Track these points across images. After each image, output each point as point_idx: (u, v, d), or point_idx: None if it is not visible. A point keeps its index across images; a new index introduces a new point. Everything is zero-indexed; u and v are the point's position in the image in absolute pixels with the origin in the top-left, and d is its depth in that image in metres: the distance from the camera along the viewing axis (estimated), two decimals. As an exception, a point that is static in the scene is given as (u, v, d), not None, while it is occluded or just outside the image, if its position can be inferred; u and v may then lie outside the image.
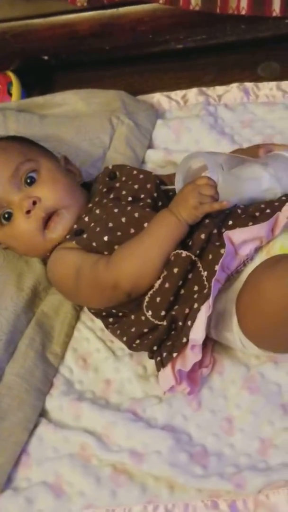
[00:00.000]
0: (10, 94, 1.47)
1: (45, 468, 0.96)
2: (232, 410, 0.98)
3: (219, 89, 1.42)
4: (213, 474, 0.92)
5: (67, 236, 1.06)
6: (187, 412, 0.99)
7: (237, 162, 1.06)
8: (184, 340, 0.95)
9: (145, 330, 1.00)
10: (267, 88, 1.40)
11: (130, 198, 1.08)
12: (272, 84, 1.40)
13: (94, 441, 0.97)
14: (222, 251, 0.96)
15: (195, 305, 0.96)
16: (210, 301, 0.93)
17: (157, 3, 1.33)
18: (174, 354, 0.96)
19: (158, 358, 0.98)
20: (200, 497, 0.91)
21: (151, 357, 1.01)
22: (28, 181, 1.08)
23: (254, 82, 1.42)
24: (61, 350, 1.09)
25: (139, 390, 1.03)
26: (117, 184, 1.12)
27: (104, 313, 1.06)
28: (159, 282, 0.98)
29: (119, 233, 1.03)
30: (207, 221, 0.99)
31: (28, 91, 1.51)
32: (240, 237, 0.96)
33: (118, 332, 1.03)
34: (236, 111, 1.37)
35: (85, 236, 1.04)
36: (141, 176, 1.12)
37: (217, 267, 0.95)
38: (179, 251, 0.98)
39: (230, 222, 1.00)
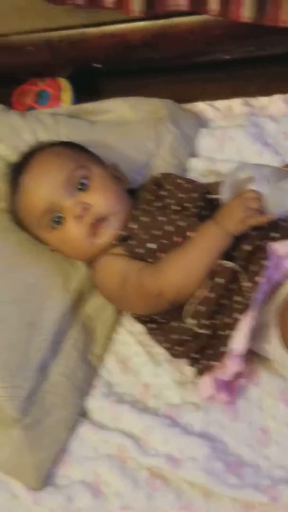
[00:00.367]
0: (61, 100, 1.45)
1: (85, 467, 0.96)
2: (268, 421, 0.96)
3: (263, 100, 1.39)
4: (248, 485, 0.90)
5: (114, 242, 1.04)
6: (223, 421, 0.97)
7: (283, 175, 1.03)
8: (225, 349, 0.93)
9: (187, 337, 0.98)
10: (312, 101, 1.35)
11: (176, 207, 1.06)
12: None
13: (131, 444, 0.96)
14: (265, 263, 0.94)
15: (237, 316, 0.94)
16: (252, 313, 0.89)
17: (209, 14, 1.28)
18: (215, 363, 0.94)
19: (198, 366, 0.96)
20: (234, 506, 0.89)
21: (191, 365, 0.99)
22: (80, 187, 1.06)
23: (300, 94, 1.36)
24: (101, 352, 1.07)
25: (177, 396, 1.00)
26: (164, 193, 1.10)
27: (146, 319, 1.04)
28: (203, 291, 0.96)
29: (164, 241, 1.01)
30: (252, 233, 0.97)
31: (77, 97, 1.48)
32: (284, 249, 0.94)
33: (160, 338, 1.02)
34: (280, 122, 1.33)
35: (131, 242, 1.03)
36: (187, 185, 1.10)
37: (260, 279, 0.92)
38: (224, 262, 0.96)
39: (275, 234, 0.98)
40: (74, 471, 0.95)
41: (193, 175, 1.26)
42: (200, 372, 0.95)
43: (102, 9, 1.32)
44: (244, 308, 0.93)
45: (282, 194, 1.00)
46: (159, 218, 1.04)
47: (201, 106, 1.39)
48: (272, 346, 0.96)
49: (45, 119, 1.34)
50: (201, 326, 0.96)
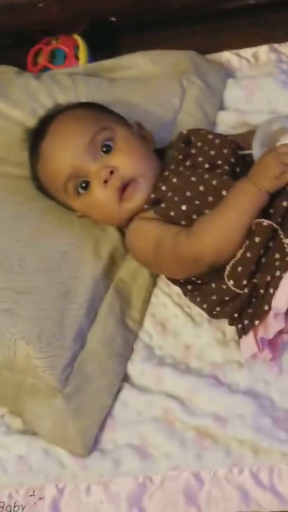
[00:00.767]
0: (77, 58, 1.47)
1: (130, 431, 1.01)
2: (314, 375, 1.00)
3: (293, 45, 1.40)
4: (297, 438, 0.95)
5: (145, 206, 1.08)
6: (268, 377, 1.01)
7: None
8: (266, 307, 0.97)
9: (226, 298, 1.02)
10: None
11: (207, 165, 1.09)
12: None
13: (177, 405, 1.01)
14: None
15: (277, 273, 0.97)
16: None
17: None
18: (256, 322, 0.97)
19: (240, 326, 1.00)
20: (284, 460, 0.94)
21: (231, 324, 1.03)
22: (104, 149, 1.09)
23: None
24: (140, 316, 1.12)
25: (219, 355, 1.05)
26: (193, 151, 1.12)
27: (182, 281, 1.08)
28: (240, 251, 0.99)
29: (197, 202, 1.04)
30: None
31: (94, 54, 1.51)
32: None
33: (198, 299, 1.06)
34: (309, 68, 1.35)
35: (163, 205, 1.05)
36: (217, 141, 1.12)
37: None
38: (261, 220, 0.99)
39: None
40: (119, 435, 1.01)
41: (222, 128, 1.29)
42: (242, 332, 0.99)
43: None
44: (284, 265, 0.96)
45: None
46: (190, 178, 1.06)
47: (226, 56, 1.40)
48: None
49: (62, 80, 1.36)
50: (240, 286, 0.99)
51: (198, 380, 1.02)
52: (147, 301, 1.13)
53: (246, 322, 0.99)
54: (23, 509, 0.99)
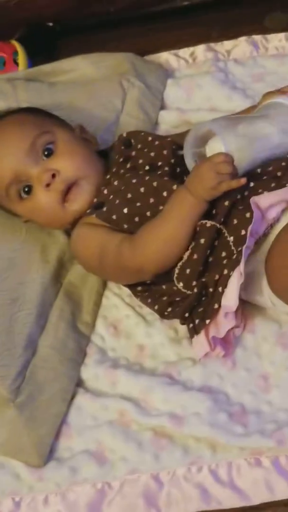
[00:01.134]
0: (17, 64, 1.43)
1: (86, 436, 0.96)
2: (267, 367, 0.96)
3: (227, 44, 1.38)
4: (253, 432, 0.91)
5: (88, 211, 1.04)
6: (222, 372, 0.97)
7: (239, 122, 1.00)
8: (216, 306, 0.94)
9: (177, 298, 0.99)
10: (276, 40, 1.35)
11: (147, 167, 1.05)
12: (281, 35, 1.36)
13: (132, 407, 0.96)
14: (247, 214, 0.94)
15: (225, 271, 0.94)
16: (241, 268, 0.90)
17: None
18: (207, 321, 0.94)
19: (191, 325, 0.96)
20: (242, 455, 0.90)
21: (182, 323, 0.99)
22: (46, 153, 1.05)
23: (262, 34, 1.36)
24: (91, 319, 1.07)
25: (173, 353, 1.01)
26: (133, 153, 1.09)
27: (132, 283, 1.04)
28: (187, 253, 0.96)
29: (138, 204, 1.00)
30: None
31: (33, 59, 1.46)
32: (266, 201, 0.93)
33: (149, 300, 1.02)
34: (246, 65, 1.33)
35: (104, 209, 1.02)
36: (157, 142, 1.08)
37: (244, 232, 0.93)
38: (204, 221, 0.96)
39: (252, 184, 0.97)
40: (75, 442, 0.95)
41: (164, 127, 1.26)
42: (194, 331, 0.95)
43: None
44: (231, 263, 0.93)
45: (247, 144, 0.97)
46: (131, 180, 1.03)
47: (165, 56, 1.37)
48: (264, 294, 0.96)
49: (1, 86, 1.32)
50: (190, 287, 0.96)
51: (152, 379, 0.97)
52: (98, 303, 1.09)
53: (197, 321, 0.96)
54: (-20, 525, 0.92)
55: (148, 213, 1.00)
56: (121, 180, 1.04)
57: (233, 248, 0.95)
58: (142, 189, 1.01)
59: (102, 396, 0.98)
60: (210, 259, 0.96)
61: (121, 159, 1.09)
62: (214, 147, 0.96)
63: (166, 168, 1.04)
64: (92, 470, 0.92)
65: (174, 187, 0.99)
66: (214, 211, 0.96)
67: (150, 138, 1.10)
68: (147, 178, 1.02)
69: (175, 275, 0.98)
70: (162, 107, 1.30)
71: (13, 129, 1.07)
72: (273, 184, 0.96)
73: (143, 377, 0.98)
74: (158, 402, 0.96)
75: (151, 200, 1.00)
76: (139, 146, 1.10)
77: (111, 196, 1.03)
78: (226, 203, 0.95)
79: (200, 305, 0.96)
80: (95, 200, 1.04)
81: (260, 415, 0.93)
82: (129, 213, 1.00)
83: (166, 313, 1.00)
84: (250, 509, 0.88)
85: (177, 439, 0.93)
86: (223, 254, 0.96)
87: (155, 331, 1.03)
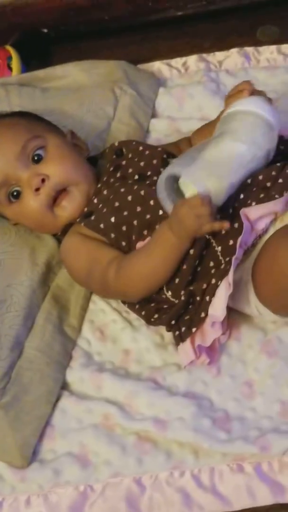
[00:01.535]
0: (10, 69, 1.43)
1: (70, 439, 0.95)
2: (252, 374, 0.97)
3: (219, 55, 1.39)
4: (237, 438, 0.91)
5: (78, 219, 1.04)
6: (207, 378, 0.97)
7: (204, 151, 0.96)
8: (203, 315, 0.93)
9: (165, 306, 0.99)
10: (268, 52, 1.36)
11: (136, 176, 1.05)
12: (273, 47, 1.37)
13: (116, 411, 0.96)
14: (235, 225, 0.94)
15: (213, 281, 0.94)
16: (229, 279, 0.90)
17: None
18: (193, 329, 0.94)
19: (177, 333, 0.96)
20: (225, 461, 0.90)
21: (168, 331, 0.99)
22: (36, 158, 1.05)
23: (254, 46, 1.37)
24: (78, 323, 1.07)
25: (158, 358, 1.01)
26: (124, 162, 1.09)
27: None
28: None
29: (125, 213, 1.00)
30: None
31: (27, 65, 1.46)
32: (256, 213, 0.93)
33: (137, 306, 1.01)
34: (237, 76, 1.34)
35: (93, 218, 1.02)
36: (147, 152, 1.08)
37: (232, 242, 0.93)
38: None
39: (242, 196, 0.96)
40: (59, 444, 0.94)
41: (154, 135, 1.27)
42: (180, 339, 0.95)
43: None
44: (219, 273, 0.93)
45: (217, 172, 0.93)
46: (120, 189, 1.02)
47: (157, 66, 1.38)
48: (250, 302, 0.96)
49: (-6, 90, 1.32)
50: (178, 296, 0.97)
51: (137, 384, 0.97)
52: (85, 307, 1.08)
53: (183, 329, 0.95)
54: None
55: (135, 222, 1.00)
56: (110, 189, 1.04)
57: (221, 258, 0.95)
58: (129, 198, 1.01)
59: (87, 399, 0.98)
60: (198, 268, 0.96)
61: (111, 168, 1.09)
62: (187, 189, 0.93)
63: (155, 178, 1.03)
64: (75, 473, 0.92)
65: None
66: None
67: (141, 148, 1.10)
68: (135, 187, 1.02)
69: (166, 284, 0.98)
70: (154, 115, 1.31)
71: (5, 132, 1.07)
72: (262, 195, 0.95)
73: (128, 382, 0.98)
74: (142, 407, 0.95)
75: (138, 209, 1.00)
76: (130, 155, 1.09)
77: (100, 205, 1.03)
78: (216, 216, 0.94)
79: (186, 313, 0.96)
80: (85, 209, 1.04)
81: (244, 421, 0.93)
82: (116, 222, 1.00)
83: (152, 320, 1.00)
84: (232, 515, 0.88)
85: (161, 443, 0.93)
86: (211, 263, 0.96)
87: (141, 336, 1.03)
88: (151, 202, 0.99)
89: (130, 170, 1.06)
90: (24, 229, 1.13)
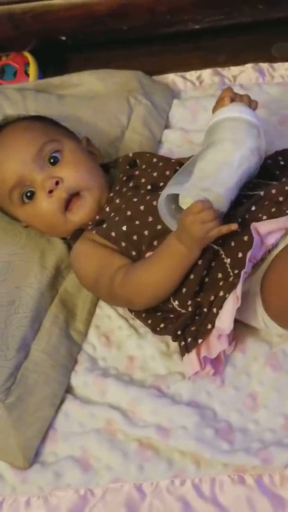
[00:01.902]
0: (27, 75, 1.44)
1: (72, 442, 0.95)
2: (256, 386, 0.96)
3: (234, 70, 1.40)
4: (239, 449, 0.91)
5: (89, 227, 1.04)
6: (210, 388, 0.97)
7: (194, 166, 0.95)
8: (209, 326, 0.93)
9: (171, 315, 0.99)
10: (283, 69, 1.37)
11: (149, 187, 1.05)
12: (287, 64, 1.37)
13: (119, 416, 0.95)
14: (245, 238, 0.94)
15: (221, 293, 0.94)
16: (238, 293, 0.90)
17: (176, -17, 1.30)
18: (199, 341, 0.94)
19: (183, 343, 0.96)
20: (226, 472, 0.90)
21: (174, 341, 0.99)
22: (52, 161, 1.05)
23: (269, 62, 1.38)
24: (84, 328, 1.07)
25: (163, 366, 1.01)
26: (137, 172, 1.09)
27: None
28: None
29: (137, 222, 1.00)
30: (231, 212, 0.94)
31: (43, 71, 1.47)
32: (266, 228, 0.93)
33: (143, 315, 1.01)
34: (251, 91, 1.34)
35: (104, 226, 1.02)
36: (161, 163, 1.09)
37: (241, 255, 0.93)
38: None
39: (253, 208, 0.97)
40: (61, 447, 0.94)
41: (167, 146, 1.27)
42: (185, 350, 0.95)
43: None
44: (227, 286, 0.93)
45: (210, 182, 0.92)
46: (132, 198, 1.03)
47: (171, 78, 1.39)
48: (257, 314, 0.96)
49: (11, 95, 1.33)
50: (185, 306, 0.96)
51: (141, 391, 0.97)
52: (91, 312, 1.09)
53: (189, 340, 0.95)
54: None
55: (146, 232, 1.00)
56: (123, 198, 1.05)
57: (229, 270, 0.95)
58: (141, 208, 1.01)
59: (90, 403, 0.98)
60: (206, 279, 0.96)
61: (124, 178, 1.09)
62: (186, 204, 0.93)
63: None
64: (76, 476, 0.92)
65: (173, 207, 1.00)
66: None
67: (155, 160, 1.10)
68: (147, 197, 1.02)
69: (173, 294, 0.98)
70: (167, 126, 1.32)
71: (23, 134, 1.08)
72: (273, 209, 0.95)
73: (132, 388, 0.98)
74: (145, 414, 0.95)
75: (150, 219, 1.00)
76: (143, 166, 1.10)
77: (112, 214, 1.03)
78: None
79: (193, 324, 0.96)
80: (97, 217, 1.05)
81: (247, 433, 0.92)
82: (128, 231, 1.00)
83: (158, 329, 1.00)
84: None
85: (162, 451, 0.93)
86: (219, 275, 0.96)
87: (146, 344, 1.03)
88: None
89: (143, 180, 1.07)
90: (35, 232, 1.13)
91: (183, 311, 0.97)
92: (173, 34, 1.47)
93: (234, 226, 0.90)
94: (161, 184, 1.05)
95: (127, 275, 0.98)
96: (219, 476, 0.89)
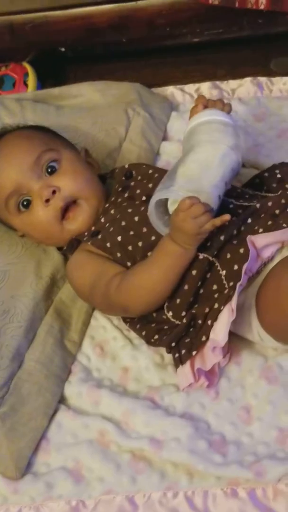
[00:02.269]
0: (26, 85, 1.46)
1: (64, 453, 0.95)
2: (250, 399, 0.96)
3: (233, 83, 1.41)
4: (232, 462, 0.91)
5: (85, 238, 1.05)
6: (205, 400, 0.97)
7: (177, 169, 0.97)
8: (204, 338, 0.94)
9: (165, 327, 0.99)
10: (281, 83, 1.39)
11: (144, 198, 1.06)
12: (286, 79, 1.39)
13: (113, 428, 0.95)
14: (241, 250, 0.94)
15: (216, 305, 0.94)
16: (233, 305, 0.91)
17: (176, -4, 1.31)
18: (194, 353, 0.94)
19: (177, 355, 0.96)
20: (219, 485, 0.89)
21: (169, 352, 0.99)
22: (49, 170, 1.06)
23: (267, 77, 1.40)
24: (78, 338, 1.07)
25: (157, 378, 1.01)
26: (132, 183, 1.10)
27: None
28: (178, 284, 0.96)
29: (131, 233, 1.01)
30: (226, 223, 0.94)
31: (42, 82, 1.49)
32: (262, 241, 0.94)
33: (138, 326, 1.02)
34: (249, 105, 1.36)
35: (99, 236, 1.03)
36: (157, 175, 1.09)
37: (236, 267, 0.94)
38: (197, 254, 0.95)
39: (250, 220, 0.97)
40: (53, 458, 0.94)
41: (165, 158, 1.28)
42: (179, 362, 0.95)
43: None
44: (222, 298, 0.93)
45: (196, 180, 0.94)
46: (127, 209, 1.03)
47: (170, 90, 1.40)
48: (252, 327, 0.97)
49: (9, 105, 1.34)
50: (179, 317, 0.97)
51: (134, 402, 0.97)
52: (86, 323, 1.09)
53: (183, 352, 0.95)
54: None
55: (140, 243, 1.01)
56: (118, 209, 1.05)
57: (224, 282, 0.96)
58: (136, 218, 1.02)
59: (83, 414, 0.98)
60: (201, 291, 0.97)
61: (120, 189, 1.10)
62: (174, 205, 0.93)
63: None
64: (68, 487, 0.92)
65: (166, 218, 1.00)
66: (208, 244, 0.96)
67: (151, 171, 1.11)
68: (142, 208, 1.03)
69: (165, 304, 0.98)
70: (165, 138, 1.33)
71: (21, 142, 1.09)
72: (269, 222, 0.96)
73: (125, 399, 0.98)
74: (139, 425, 0.95)
75: (144, 230, 1.01)
76: (139, 177, 1.11)
77: (107, 224, 1.04)
78: (222, 237, 0.96)
79: (187, 336, 0.96)
80: (93, 228, 1.05)
81: (240, 446, 0.92)
82: (123, 241, 1.01)
83: (152, 340, 1.00)
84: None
85: (155, 463, 0.92)
86: (214, 287, 0.96)
87: (141, 355, 1.03)
88: None
89: (138, 191, 1.07)
90: (31, 242, 1.13)
91: (177, 322, 0.97)
92: (173, 47, 1.48)
93: (226, 216, 0.90)
94: None
95: (123, 280, 0.98)
96: (212, 489, 0.89)
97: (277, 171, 1.10)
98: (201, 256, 0.95)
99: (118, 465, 0.93)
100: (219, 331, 0.92)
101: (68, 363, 1.04)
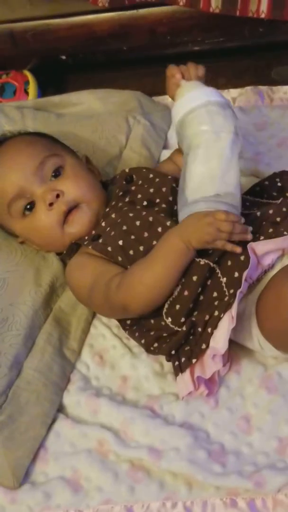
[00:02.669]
0: (27, 93, 1.47)
1: (62, 463, 0.95)
2: (250, 409, 0.96)
3: (234, 92, 1.41)
4: (232, 472, 0.90)
5: (85, 243, 1.05)
6: (204, 410, 0.97)
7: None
8: (204, 346, 0.94)
9: (164, 334, 0.99)
10: (282, 92, 1.40)
11: (145, 202, 1.07)
12: (287, 87, 1.39)
13: (111, 437, 0.95)
14: (241, 257, 0.95)
15: (216, 313, 0.94)
16: (233, 313, 0.91)
17: (177, 5, 1.32)
18: (193, 360, 0.94)
19: (176, 363, 0.96)
20: (218, 495, 0.89)
21: (168, 360, 0.99)
22: (53, 174, 1.07)
23: (268, 85, 1.40)
24: (77, 346, 1.07)
25: (156, 387, 1.01)
26: (133, 188, 1.10)
27: None
28: (178, 289, 0.96)
29: (132, 237, 1.01)
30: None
31: (43, 90, 1.50)
32: (263, 249, 0.94)
33: (137, 334, 1.02)
34: (250, 113, 1.36)
35: (100, 240, 1.03)
36: (157, 179, 1.10)
37: (237, 274, 0.94)
38: (198, 259, 0.96)
39: (250, 229, 0.97)
40: (51, 467, 0.94)
41: (165, 166, 1.29)
42: (179, 370, 0.95)
43: (68, -1, 1.35)
44: (222, 305, 0.93)
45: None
46: (128, 213, 1.04)
47: (171, 99, 1.41)
48: (252, 335, 0.96)
49: (10, 112, 1.35)
50: (178, 324, 0.97)
51: (133, 411, 0.97)
52: (85, 331, 1.09)
53: (183, 360, 0.95)
54: None
55: (141, 248, 1.01)
56: (118, 213, 1.06)
57: (225, 289, 0.96)
58: (137, 223, 1.02)
59: (82, 423, 0.98)
60: (201, 297, 0.97)
61: (120, 193, 1.10)
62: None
63: (164, 205, 1.05)
64: (66, 497, 0.91)
65: (168, 223, 1.01)
66: (210, 250, 0.96)
67: (151, 175, 1.11)
68: (143, 213, 1.03)
69: (164, 310, 0.98)
70: (165, 146, 1.33)
71: (25, 147, 1.09)
72: (270, 230, 0.97)
73: (124, 408, 0.98)
74: (138, 434, 0.95)
75: (145, 234, 1.01)
76: (139, 182, 1.11)
77: (108, 228, 1.04)
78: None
79: (187, 344, 0.96)
80: (93, 232, 1.06)
81: (240, 456, 0.92)
82: (124, 245, 1.01)
83: (152, 348, 1.00)
84: None
85: (154, 473, 0.92)
86: (215, 294, 0.96)
87: (140, 364, 1.03)
88: (159, 229, 1.01)
89: (139, 196, 1.08)
90: (30, 250, 1.14)
91: (176, 328, 0.97)
92: (174, 55, 1.49)
93: (238, 249, 0.92)
94: (157, 200, 1.06)
95: (124, 278, 0.98)
96: (211, 499, 0.89)
97: (278, 180, 1.11)
98: (202, 261, 0.96)
99: (117, 475, 0.92)
100: (219, 339, 0.92)
101: (67, 371, 1.04)
